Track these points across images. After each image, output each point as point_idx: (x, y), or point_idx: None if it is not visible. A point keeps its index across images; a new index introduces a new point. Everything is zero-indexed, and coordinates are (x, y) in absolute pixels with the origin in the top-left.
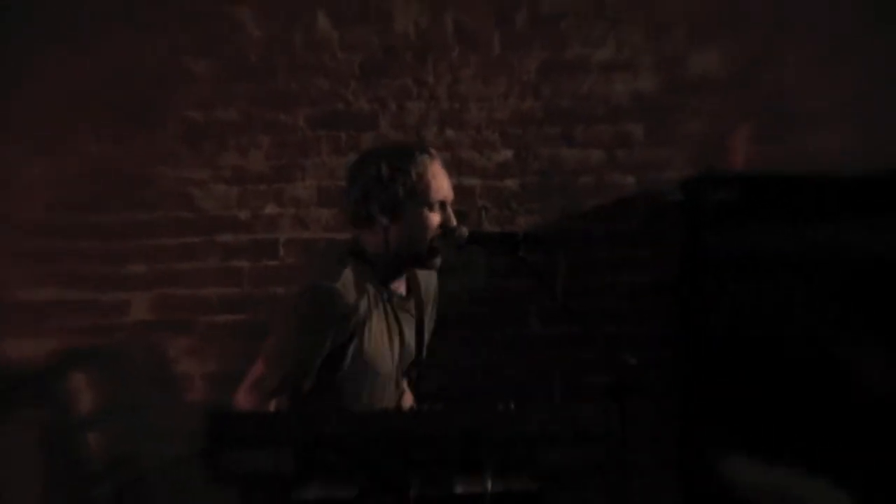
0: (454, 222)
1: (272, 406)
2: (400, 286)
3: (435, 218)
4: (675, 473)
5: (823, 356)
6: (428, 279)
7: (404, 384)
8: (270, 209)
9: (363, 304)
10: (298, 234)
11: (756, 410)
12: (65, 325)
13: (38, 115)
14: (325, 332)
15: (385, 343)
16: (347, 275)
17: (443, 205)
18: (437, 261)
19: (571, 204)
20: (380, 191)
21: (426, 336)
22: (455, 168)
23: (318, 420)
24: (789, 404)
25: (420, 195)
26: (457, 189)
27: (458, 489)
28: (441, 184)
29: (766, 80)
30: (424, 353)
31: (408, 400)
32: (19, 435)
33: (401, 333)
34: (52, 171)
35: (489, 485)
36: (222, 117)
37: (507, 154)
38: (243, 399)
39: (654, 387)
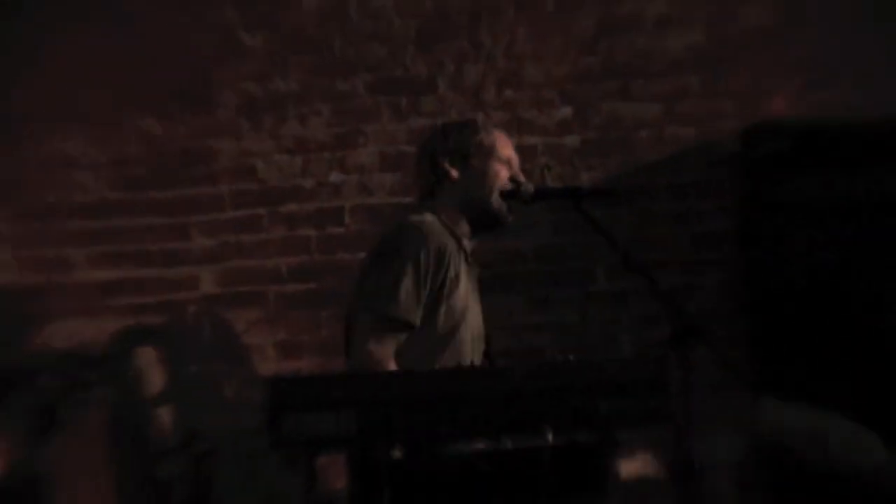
0: (522, 178)
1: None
2: (471, 248)
3: (503, 170)
4: (739, 423)
5: (881, 303)
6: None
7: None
8: (334, 177)
9: (455, 254)
10: (363, 200)
11: (816, 357)
12: (133, 302)
13: (96, 97)
14: (427, 266)
15: (471, 302)
16: (434, 221)
17: (508, 163)
18: (510, 217)
19: (632, 158)
20: (447, 147)
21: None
22: (515, 128)
23: (379, 381)
24: (848, 351)
25: (486, 147)
26: (518, 149)
27: (520, 443)
28: (504, 142)
29: (815, 30)
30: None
31: None
32: (90, 414)
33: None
34: (113, 152)
35: (550, 438)
36: (281, 88)
37: (567, 111)
38: (375, 349)
39: (718, 337)
